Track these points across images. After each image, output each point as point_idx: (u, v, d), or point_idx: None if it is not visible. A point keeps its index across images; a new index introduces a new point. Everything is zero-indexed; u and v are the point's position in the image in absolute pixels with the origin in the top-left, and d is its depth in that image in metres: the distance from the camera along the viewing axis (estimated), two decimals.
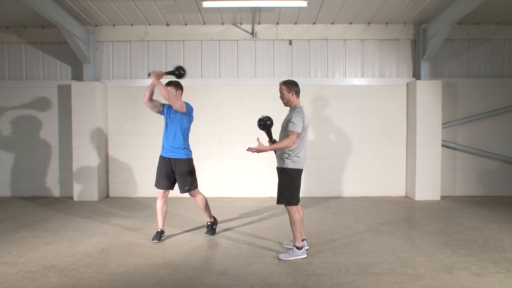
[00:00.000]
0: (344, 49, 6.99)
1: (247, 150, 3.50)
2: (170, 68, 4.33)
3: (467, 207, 5.91)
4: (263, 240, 4.22)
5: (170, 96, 3.93)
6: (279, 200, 3.66)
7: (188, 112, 4.14)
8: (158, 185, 4.19)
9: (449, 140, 6.87)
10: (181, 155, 4.12)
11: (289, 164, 3.58)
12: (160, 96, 3.99)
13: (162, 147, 4.20)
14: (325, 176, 6.91)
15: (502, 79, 6.92)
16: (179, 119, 4.10)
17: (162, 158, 4.20)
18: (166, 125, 4.16)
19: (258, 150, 3.49)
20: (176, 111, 4.09)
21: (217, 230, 4.54)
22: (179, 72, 4.02)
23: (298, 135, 3.51)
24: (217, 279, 3.14)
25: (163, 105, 4.20)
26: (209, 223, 4.47)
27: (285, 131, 3.63)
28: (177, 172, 4.13)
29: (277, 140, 3.81)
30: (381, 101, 6.91)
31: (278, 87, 3.74)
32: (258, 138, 3.65)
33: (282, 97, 3.72)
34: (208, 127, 6.83)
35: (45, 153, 6.99)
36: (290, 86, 3.68)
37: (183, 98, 4.19)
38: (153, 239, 4.15)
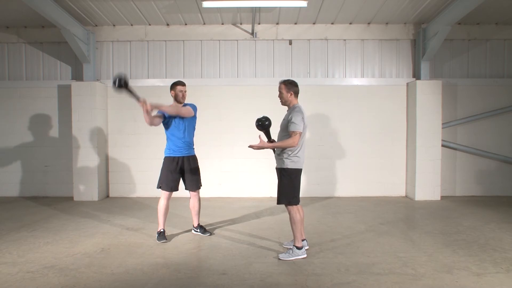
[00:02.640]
0: (344, 49, 6.98)
1: (248, 147, 3.55)
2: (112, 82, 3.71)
3: (467, 207, 5.91)
4: (263, 240, 4.22)
5: (177, 110, 4.00)
6: (280, 200, 3.66)
7: (195, 113, 4.23)
8: (166, 187, 4.15)
9: (449, 140, 6.87)
10: (192, 151, 4.29)
11: (289, 164, 3.58)
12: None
13: (174, 148, 4.15)
14: (325, 176, 6.91)
15: (502, 79, 6.92)
16: (191, 117, 4.19)
17: (171, 159, 4.16)
18: (180, 126, 4.13)
19: (260, 147, 3.54)
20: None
21: (217, 230, 4.56)
22: (119, 83, 3.61)
23: (300, 134, 3.51)
24: (217, 279, 3.14)
25: (163, 114, 4.12)
26: (200, 225, 4.51)
27: (285, 132, 3.64)
28: (192, 169, 4.20)
29: (276, 140, 3.81)
30: (381, 101, 6.91)
31: (278, 86, 3.75)
32: (259, 136, 3.68)
33: (280, 96, 3.72)
34: (208, 127, 6.82)
35: (45, 153, 6.98)
36: (290, 86, 3.67)
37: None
38: (160, 240, 4.12)
